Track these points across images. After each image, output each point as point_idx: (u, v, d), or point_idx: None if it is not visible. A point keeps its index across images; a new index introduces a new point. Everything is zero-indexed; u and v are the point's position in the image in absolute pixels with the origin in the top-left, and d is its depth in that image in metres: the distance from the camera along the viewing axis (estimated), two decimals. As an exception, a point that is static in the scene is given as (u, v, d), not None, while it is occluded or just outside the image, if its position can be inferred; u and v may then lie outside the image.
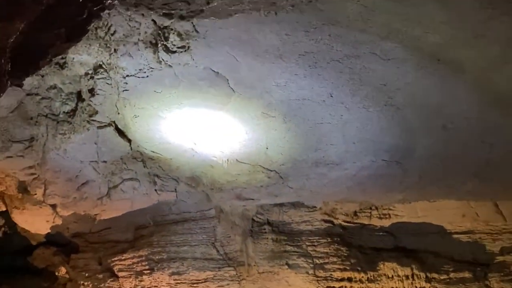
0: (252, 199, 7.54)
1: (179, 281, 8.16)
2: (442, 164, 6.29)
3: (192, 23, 4.35)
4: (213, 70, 5.07)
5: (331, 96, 5.29)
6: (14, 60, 2.75)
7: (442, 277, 7.58)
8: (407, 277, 7.66)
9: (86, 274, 8.51)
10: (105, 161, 6.59)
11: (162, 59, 4.89)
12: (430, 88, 5.03)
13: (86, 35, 3.50)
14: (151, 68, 5.05)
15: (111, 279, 8.43)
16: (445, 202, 7.39)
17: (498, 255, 7.48)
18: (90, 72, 5.25)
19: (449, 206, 7.44)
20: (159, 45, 4.69)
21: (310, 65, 4.82)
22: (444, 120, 5.55)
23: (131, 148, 6.48)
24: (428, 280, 7.59)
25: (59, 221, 7.48)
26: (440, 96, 5.15)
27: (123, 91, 5.47)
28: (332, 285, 7.83)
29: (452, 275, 7.57)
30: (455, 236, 7.64)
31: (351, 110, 5.48)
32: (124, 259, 8.33)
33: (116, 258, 8.37)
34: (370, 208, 7.85)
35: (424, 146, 6.01)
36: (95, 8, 2.90)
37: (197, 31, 4.49)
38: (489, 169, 6.30)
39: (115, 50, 4.80)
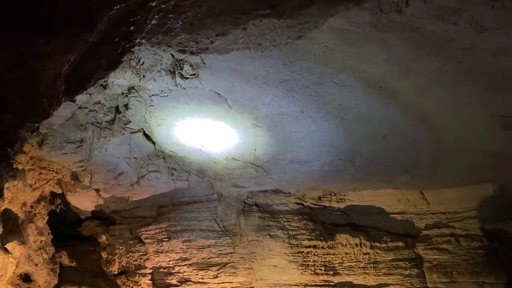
0: (244, 187, 7.53)
1: (189, 247, 8.12)
2: (383, 163, 6.30)
3: (200, 57, 4.34)
4: (216, 92, 5.06)
5: (302, 112, 5.29)
6: (67, 83, 2.73)
7: (382, 245, 7.57)
8: (356, 245, 7.65)
9: (121, 241, 8.45)
10: (135, 158, 6.56)
11: (178, 83, 4.87)
12: (374, 108, 5.05)
13: (121, 64, 3.48)
14: (170, 89, 5.03)
15: (139, 245, 8.37)
16: (385, 190, 7.38)
17: (423, 230, 7.48)
18: (125, 92, 5.22)
19: (388, 193, 7.44)
20: (176, 72, 4.68)
21: (287, 89, 4.82)
22: (384, 131, 5.56)
23: (155, 148, 6.45)
24: (372, 247, 7.58)
25: (101, 201, 7.45)
26: (381, 114, 5.17)
27: (149, 106, 5.45)
28: (302, 251, 7.81)
29: (389, 244, 7.56)
30: (392, 215, 7.63)
31: (317, 122, 5.48)
32: (149, 230, 8.27)
33: (143, 229, 8.32)
34: (330, 195, 7.84)
35: (369, 150, 6.02)
36: (127, 45, 2.88)
37: (204, 63, 4.48)
38: (417, 167, 6.33)
39: (143, 76, 4.78)
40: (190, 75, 4.69)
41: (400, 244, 7.51)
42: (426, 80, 4.43)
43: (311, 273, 7.75)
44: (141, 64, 4.53)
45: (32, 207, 6.77)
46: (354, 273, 7.62)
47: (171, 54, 4.29)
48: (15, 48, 2.25)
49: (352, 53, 4.10)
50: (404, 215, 7.58)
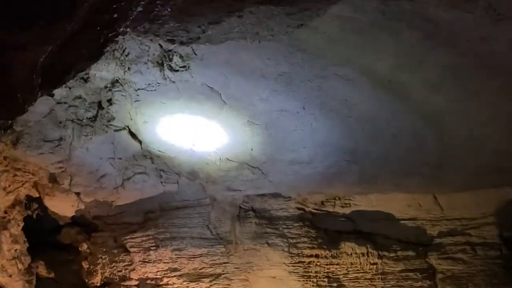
0: (240, 190, 7.53)
1: (179, 256, 8.13)
2: (391, 164, 6.30)
3: (191, 47, 4.33)
4: (208, 86, 5.07)
5: (304, 109, 5.30)
6: (44, 76, 2.73)
7: (391, 255, 7.58)
8: (363, 254, 7.66)
9: (104, 249, 8.45)
10: (120, 158, 6.56)
11: (167, 76, 4.87)
12: (382, 104, 5.06)
13: (104, 55, 3.48)
14: (158, 83, 5.03)
15: (124, 254, 8.37)
16: (394, 194, 7.34)
17: (436, 237, 7.47)
18: (108, 85, 5.23)
19: (397, 197, 7.40)
20: (165, 64, 4.68)
21: (287, 83, 4.83)
22: (393, 130, 5.57)
23: (141, 148, 6.45)
24: (380, 257, 7.59)
25: (82, 206, 7.44)
26: (390, 111, 5.17)
27: (135, 101, 5.45)
28: (303, 260, 7.82)
29: (399, 253, 7.57)
30: (402, 222, 7.62)
31: (319, 120, 5.49)
32: (135, 238, 8.27)
33: (128, 237, 8.32)
34: (334, 199, 7.80)
35: (377, 150, 6.02)
36: (110, 35, 2.88)
37: (195, 54, 4.48)
38: (428, 169, 6.33)
39: (128, 68, 4.77)
40: (180, 67, 4.69)
41: (411, 253, 7.53)
42: (438, 75, 4.44)
43: (313, 285, 7.76)
44: (126, 55, 4.53)
45: (6, 212, 6.75)
46: (360, 285, 7.63)
47: (159, 44, 4.29)
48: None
49: (358, 44, 4.11)
50: (415, 222, 7.57)
